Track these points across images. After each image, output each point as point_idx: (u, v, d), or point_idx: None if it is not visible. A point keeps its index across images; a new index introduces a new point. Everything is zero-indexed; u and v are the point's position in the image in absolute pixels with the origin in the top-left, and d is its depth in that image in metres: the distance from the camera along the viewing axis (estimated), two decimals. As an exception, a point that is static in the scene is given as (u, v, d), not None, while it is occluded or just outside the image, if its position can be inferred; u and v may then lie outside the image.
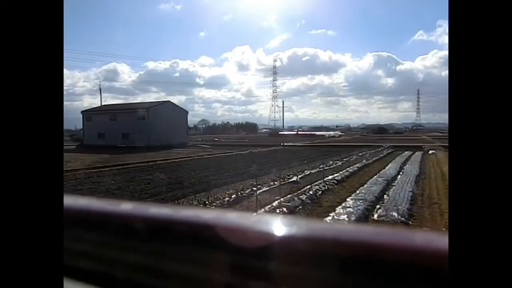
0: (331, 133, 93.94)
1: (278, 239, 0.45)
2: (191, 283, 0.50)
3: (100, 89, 70.60)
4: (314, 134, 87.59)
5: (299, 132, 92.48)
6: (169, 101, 51.13)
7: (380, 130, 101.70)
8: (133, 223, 0.56)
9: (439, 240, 0.41)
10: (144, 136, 39.97)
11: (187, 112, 52.44)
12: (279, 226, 0.47)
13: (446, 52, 0.50)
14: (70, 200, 0.65)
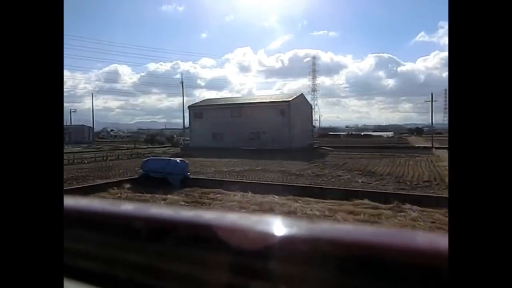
0: (389, 133, 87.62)
1: (278, 240, 0.45)
2: (192, 284, 0.50)
3: (180, 82, 50.60)
4: (371, 135, 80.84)
5: (351, 133, 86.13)
6: (302, 94, 39.70)
7: (419, 131, 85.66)
8: (133, 223, 0.56)
9: (439, 240, 0.41)
10: (280, 137, 31.36)
11: (311, 107, 41.64)
12: (279, 227, 0.47)
13: (447, 53, 0.50)
14: (70, 200, 0.65)
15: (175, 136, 48.79)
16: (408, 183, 12.36)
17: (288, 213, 8.17)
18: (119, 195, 10.76)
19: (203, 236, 0.50)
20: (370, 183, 12.25)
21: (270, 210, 8.49)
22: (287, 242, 0.45)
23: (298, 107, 34.43)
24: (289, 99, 33.90)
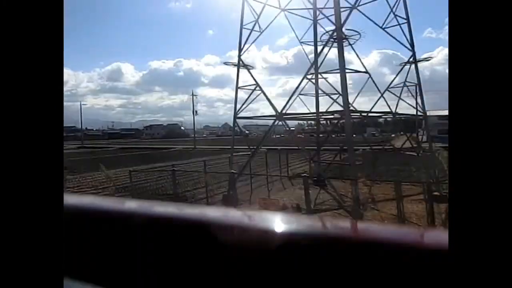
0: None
1: (280, 237, 0.45)
2: (193, 282, 0.50)
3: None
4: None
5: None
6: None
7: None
8: (135, 221, 0.56)
9: (439, 238, 0.41)
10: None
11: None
12: (281, 224, 0.47)
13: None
14: (70, 199, 0.66)
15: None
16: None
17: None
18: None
19: (205, 234, 0.50)
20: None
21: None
22: (290, 239, 0.45)
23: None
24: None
